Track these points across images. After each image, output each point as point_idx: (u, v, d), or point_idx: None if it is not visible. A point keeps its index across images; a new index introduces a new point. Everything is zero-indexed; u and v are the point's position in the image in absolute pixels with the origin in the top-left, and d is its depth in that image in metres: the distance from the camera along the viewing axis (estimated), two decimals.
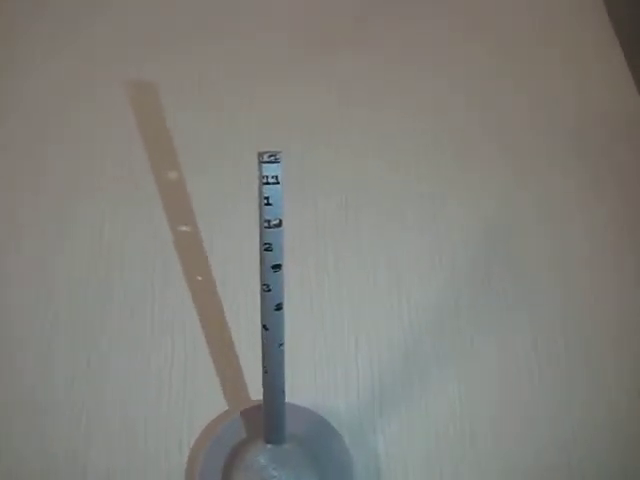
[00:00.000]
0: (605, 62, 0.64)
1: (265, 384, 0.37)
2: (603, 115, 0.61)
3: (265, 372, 0.36)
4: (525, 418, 0.48)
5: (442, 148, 0.59)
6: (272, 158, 0.28)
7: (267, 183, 0.28)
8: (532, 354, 0.50)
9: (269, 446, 0.42)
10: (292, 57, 0.65)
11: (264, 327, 0.34)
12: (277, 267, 0.31)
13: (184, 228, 0.55)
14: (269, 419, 0.40)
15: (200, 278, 0.53)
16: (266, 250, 0.30)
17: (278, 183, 0.28)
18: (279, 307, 0.33)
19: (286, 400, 0.39)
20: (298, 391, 0.48)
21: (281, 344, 0.35)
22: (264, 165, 0.28)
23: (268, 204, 0.29)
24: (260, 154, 0.28)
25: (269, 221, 0.29)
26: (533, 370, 0.49)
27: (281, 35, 0.66)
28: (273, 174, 0.28)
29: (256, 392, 0.47)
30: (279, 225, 0.30)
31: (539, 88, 0.63)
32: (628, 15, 0.63)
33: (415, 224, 0.55)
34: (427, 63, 0.65)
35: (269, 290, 0.32)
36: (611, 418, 0.47)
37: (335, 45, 0.65)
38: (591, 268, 0.53)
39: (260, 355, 0.35)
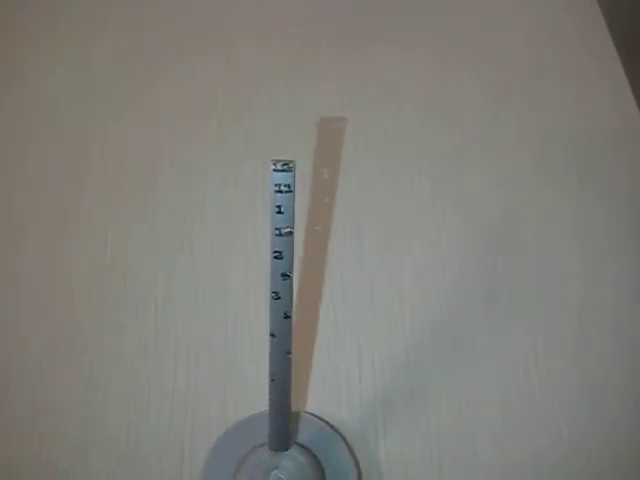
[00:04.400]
0: (605, 77, 0.64)
1: (271, 392, 0.37)
2: (601, 130, 0.61)
3: (272, 380, 0.36)
4: (526, 425, 0.48)
5: (442, 163, 0.59)
6: (285, 167, 0.28)
7: (280, 191, 0.28)
8: (532, 363, 0.50)
9: (274, 452, 0.42)
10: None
11: (272, 335, 0.34)
12: (286, 275, 0.31)
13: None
14: (275, 426, 0.40)
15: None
16: (276, 258, 0.30)
17: (290, 192, 0.28)
18: (287, 315, 0.33)
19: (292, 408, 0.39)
20: (303, 399, 0.48)
21: (289, 352, 0.35)
22: (276, 173, 0.28)
23: (280, 212, 0.29)
24: (273, 162, 0.28)
25: (280, 229, 0.29)
26: (533, 379, 0.49)
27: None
28: (285, 182, 0.28)
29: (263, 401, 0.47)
30: (290, 234, 0.30)
31: (537, 102, 0.63)
32: (629, 30, 0.64)
33: (417, 238, 0.55)
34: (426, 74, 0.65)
35: (278, 298, 0.32)
36: (610, 433, 0.48)
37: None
38: (588, 279, 0.54)
39: (267, 364, 0.35)
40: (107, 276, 0.53)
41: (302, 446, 0.43)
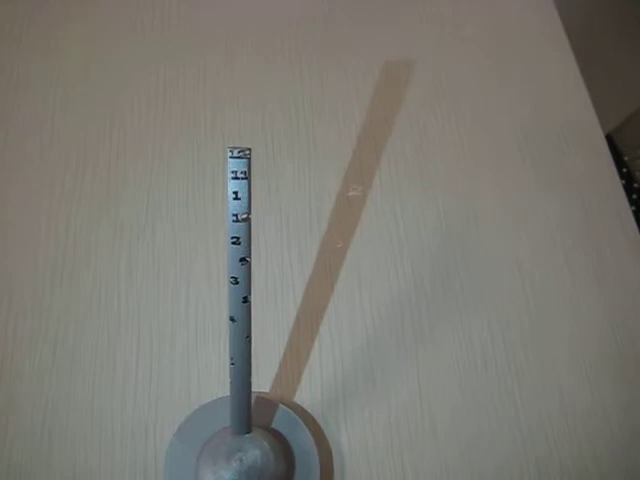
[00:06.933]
0: (560, 71, 0.65)
1: (232, 375, 0.38)
2: (558, 124, 0.62)
3: (232, 364, 0.37)
4: (482, 405, 0.49)
5: (402, 151, 0.60)
6: (241, 154, 0.28)
7: (236, 178, 0.29)
8: (489, 345, 0.52)
9: (237, 435, 0.42)
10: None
11: (231, 319, 0.34)
12: (244, 260, 0.32)
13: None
14: (236, 409, 0.41)
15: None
16: (233, 244, 0.31)
17: (246, 178, 0.29)
18: (246, 300, 0.33)
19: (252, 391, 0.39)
20: (264, 383, 0.49)
21: (248, 336, 0.35)
22: (233, 160, 0.29)
23: (237, 198, 0.30)
24: (230, 149, 0.28)
25: (237, 215, 0.30)
26: (489, 361, 0.51)
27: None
28: (242, 169, 0.29)
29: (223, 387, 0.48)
30: (247, 219, 0.30)
31: (496, 96, 0.64)
32: (582, 27, 0.65)
33: (376, 224, 0.56)
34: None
35: (236, 283, 0.32)
36: (563, 408, 0.50)
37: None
38: (545, 266, 0.55)
39: (226, 349, 0.36)
40: (71, 262, 0.53)
41: (264, 429, 0.44)
